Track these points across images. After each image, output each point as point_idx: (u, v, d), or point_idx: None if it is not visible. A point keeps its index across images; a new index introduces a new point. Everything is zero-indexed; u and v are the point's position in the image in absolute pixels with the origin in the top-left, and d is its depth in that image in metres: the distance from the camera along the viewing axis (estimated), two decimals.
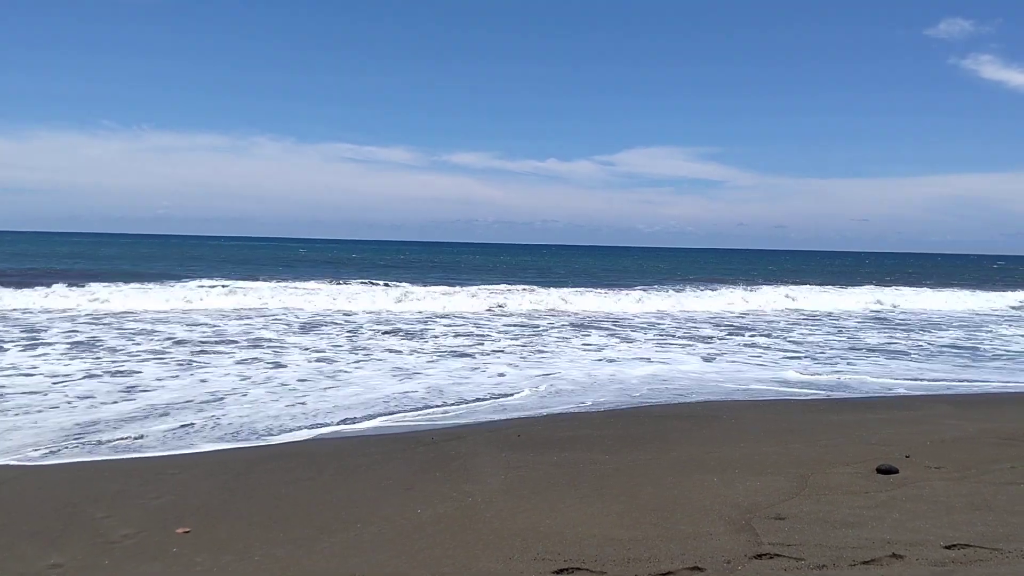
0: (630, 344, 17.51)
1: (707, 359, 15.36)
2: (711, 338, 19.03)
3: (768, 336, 19.63)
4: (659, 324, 22.20)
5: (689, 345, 17.51)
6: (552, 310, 25.57)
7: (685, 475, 6.92)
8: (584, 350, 16.26)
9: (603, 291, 31.83)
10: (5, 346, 14.33)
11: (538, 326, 20.81)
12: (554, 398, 11.01)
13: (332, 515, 5.76)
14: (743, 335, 19.72)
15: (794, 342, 18.57)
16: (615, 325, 21.65)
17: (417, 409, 10.07)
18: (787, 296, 31.43)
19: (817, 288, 36.78)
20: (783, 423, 9.32)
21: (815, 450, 7.87)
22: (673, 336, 19.26)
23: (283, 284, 30.45)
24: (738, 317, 25.09)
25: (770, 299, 30.53)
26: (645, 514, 5.81)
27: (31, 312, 20.27)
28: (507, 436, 8.41)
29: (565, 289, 31.97)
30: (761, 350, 16.92)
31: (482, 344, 16.71)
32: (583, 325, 21.43)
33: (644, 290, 33.47)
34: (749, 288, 35.70)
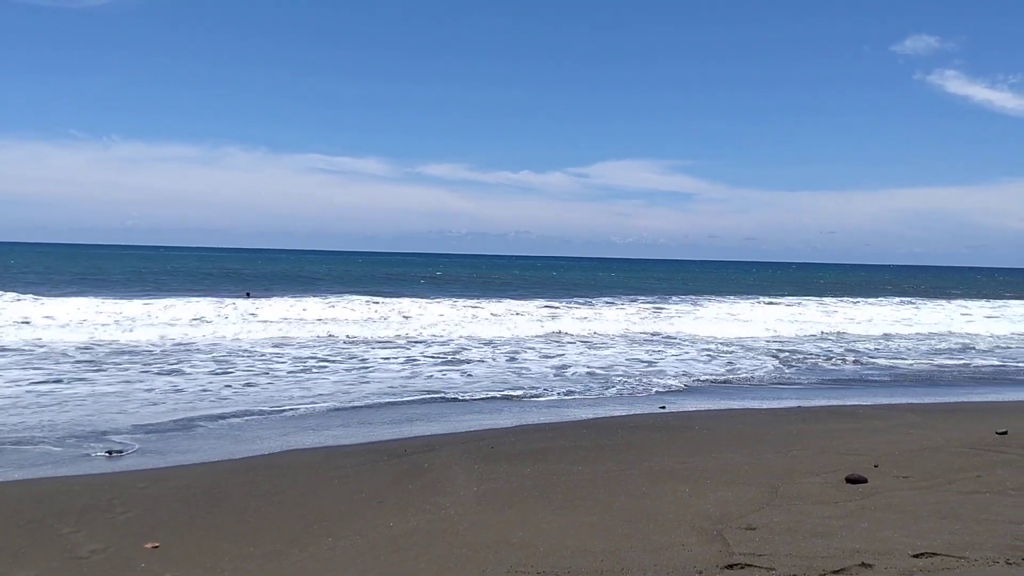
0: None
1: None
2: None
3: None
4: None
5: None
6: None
7: (657, 485, 6.95)
8: None
9: None
10: None
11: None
12: None
13: (303, 528, 5.71)
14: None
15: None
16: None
17: None
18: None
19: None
20: (754, 433, 9.39)
21: (785, 460, 7.94)
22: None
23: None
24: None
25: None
26: (618, 525, 5.83)
27: None
28: (480, 448, 8.39)
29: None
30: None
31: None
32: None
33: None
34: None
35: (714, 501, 6.43)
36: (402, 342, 19.01)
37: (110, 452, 8.08)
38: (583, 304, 33.59)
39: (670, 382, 14.12)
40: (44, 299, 24.91)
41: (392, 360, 15.86)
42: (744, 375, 15.36)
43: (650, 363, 16.60)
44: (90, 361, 14.49)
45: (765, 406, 11.82)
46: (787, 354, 18.91)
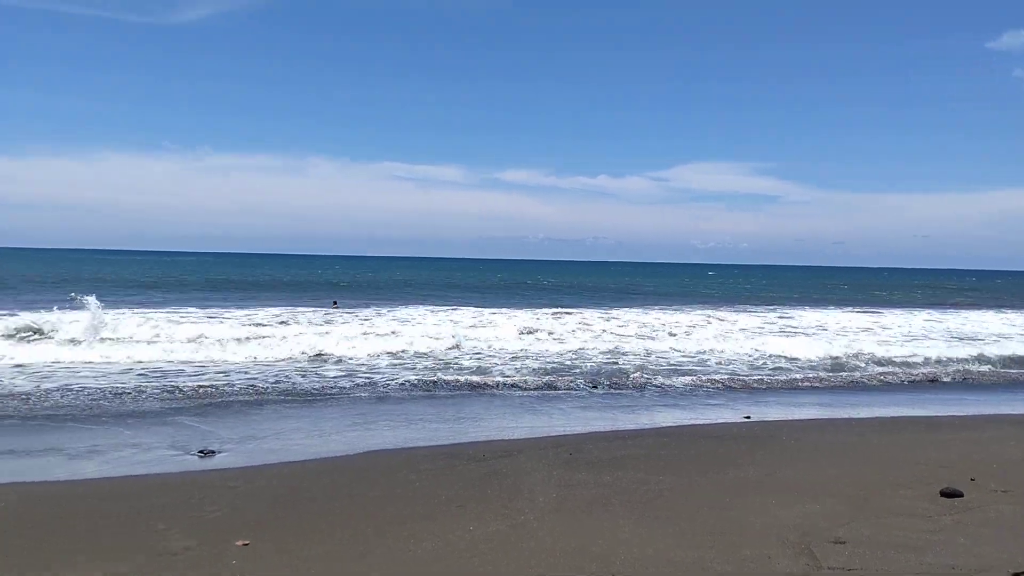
0: None
1: None
2: None
3: None
4: None
5: None
6: None
7: (742, 496, 6.80)
8: None
9: None
10: None
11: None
12: None
13: (385, 529, 5.80)
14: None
15: None
16: None
17: None
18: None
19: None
20: (842, 444, 9.10)
21: (876, 472, 7.67)
22: None
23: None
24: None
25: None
26: (701, 536, 5.73)
27: None
28: (558, 454, 8.37)
29: None
30: None
31: None
32: None
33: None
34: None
35: (801, 513, 6.26)
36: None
37: (202, 452, 8.38)
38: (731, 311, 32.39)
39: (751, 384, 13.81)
40: (200, 311, 25.20)
41: None
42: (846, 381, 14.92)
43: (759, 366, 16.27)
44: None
45: (855, 416, 11.44)
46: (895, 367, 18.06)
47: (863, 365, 17.56)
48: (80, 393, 11.79)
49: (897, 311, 35.15)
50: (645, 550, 5.39)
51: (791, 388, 14.56)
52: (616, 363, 16.87)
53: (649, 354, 18.40)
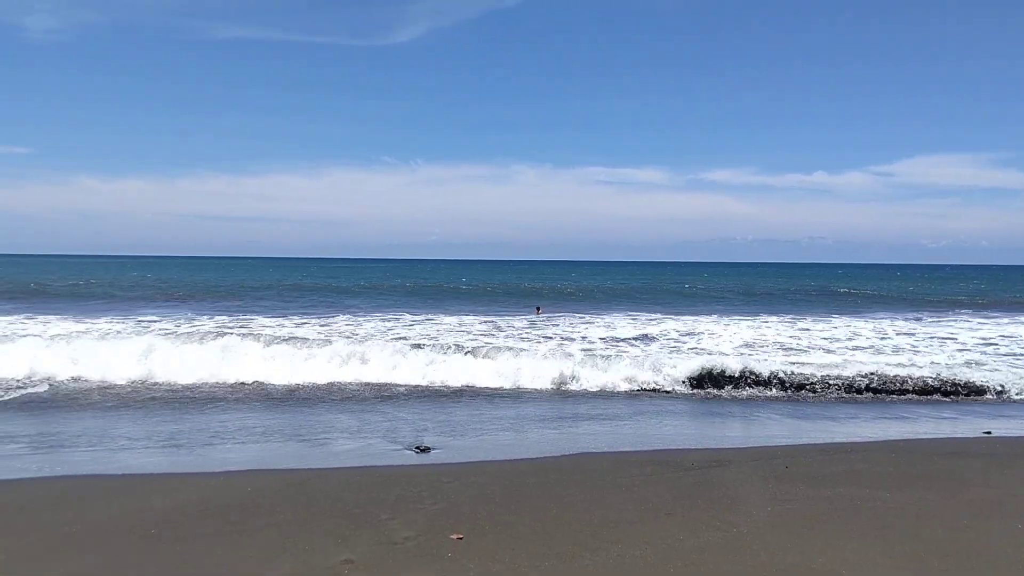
0: None
1: None
2: None
3: None
4: None
5: None
6: None
7: (981, 519, 6.15)
8: None
9: None
10: None
11: None
12: None
13: (593, 533, 5.80)
14: None
15: None
16: None
17: None
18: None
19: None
20: None
21: None
22: None
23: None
24: None
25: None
26: (933, 558, 5.23)
27: None
28: (774, 466, 7.99)
29: None
30: None
31: None
32: None
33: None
34: None
35: None
36: None
37: (418, 448, 8.83)
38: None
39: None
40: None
41: None
42: None
43: None
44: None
45: None
46: None
47: None
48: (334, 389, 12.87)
49: None
50: (873, 570, 5.00)
51: None
52: (844, 373, 15.87)
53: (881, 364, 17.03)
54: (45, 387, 13.00)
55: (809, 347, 19.99)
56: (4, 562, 5.19)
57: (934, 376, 14.38)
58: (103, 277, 58.47)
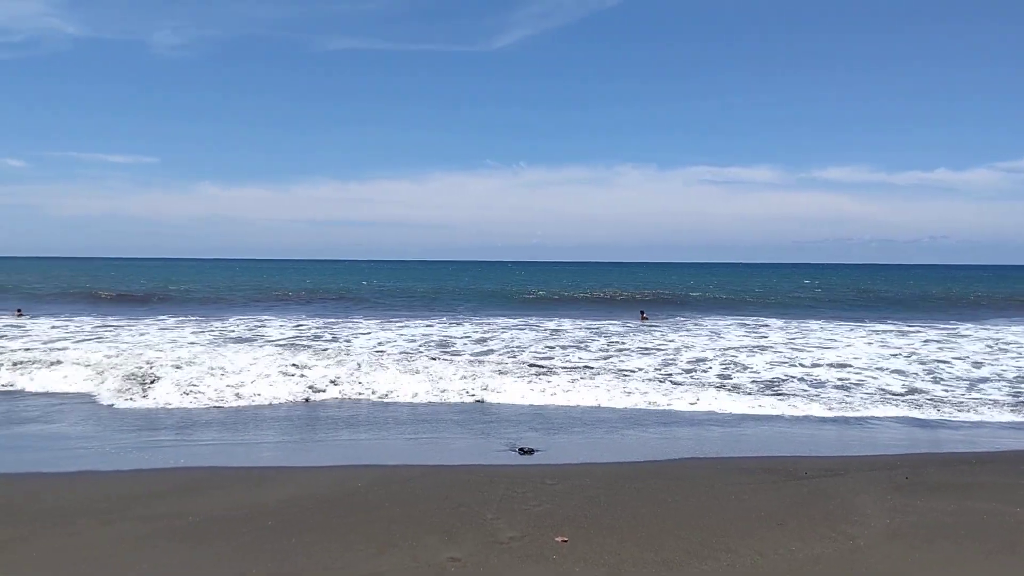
0: None
1: None
2: None
3: None
4: None
5: None
6: None
7: None
8: None
9: None
10: None
11: None
12: None
13: (700, 541, 5.68)
14: None
15: None
16: None
17: None
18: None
19: None
20: None
21: None
22: None
23: None
24: None
25: None
26: None
27: None
28: (891, 476, 7.62)
29: None
30: None
31: None
32: None
33: None
34: None
35: None
36: None
37: (522, 450, 8.87)
38: None
39: None
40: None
41: None
42: None
43: None
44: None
45: None
46: None
47: None
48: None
49: None
50: None
51: None
52: (976, 382, 15.01)
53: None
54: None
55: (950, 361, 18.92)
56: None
57: None
58: (276, 281, 58.13)
